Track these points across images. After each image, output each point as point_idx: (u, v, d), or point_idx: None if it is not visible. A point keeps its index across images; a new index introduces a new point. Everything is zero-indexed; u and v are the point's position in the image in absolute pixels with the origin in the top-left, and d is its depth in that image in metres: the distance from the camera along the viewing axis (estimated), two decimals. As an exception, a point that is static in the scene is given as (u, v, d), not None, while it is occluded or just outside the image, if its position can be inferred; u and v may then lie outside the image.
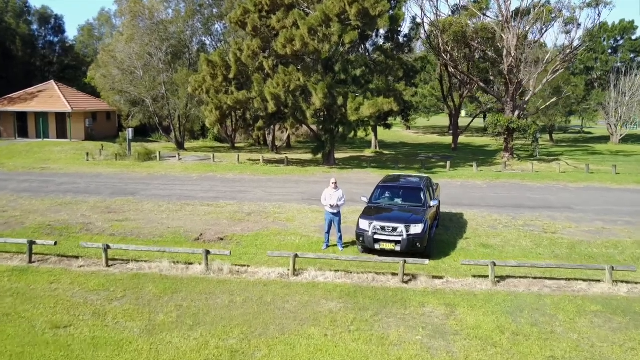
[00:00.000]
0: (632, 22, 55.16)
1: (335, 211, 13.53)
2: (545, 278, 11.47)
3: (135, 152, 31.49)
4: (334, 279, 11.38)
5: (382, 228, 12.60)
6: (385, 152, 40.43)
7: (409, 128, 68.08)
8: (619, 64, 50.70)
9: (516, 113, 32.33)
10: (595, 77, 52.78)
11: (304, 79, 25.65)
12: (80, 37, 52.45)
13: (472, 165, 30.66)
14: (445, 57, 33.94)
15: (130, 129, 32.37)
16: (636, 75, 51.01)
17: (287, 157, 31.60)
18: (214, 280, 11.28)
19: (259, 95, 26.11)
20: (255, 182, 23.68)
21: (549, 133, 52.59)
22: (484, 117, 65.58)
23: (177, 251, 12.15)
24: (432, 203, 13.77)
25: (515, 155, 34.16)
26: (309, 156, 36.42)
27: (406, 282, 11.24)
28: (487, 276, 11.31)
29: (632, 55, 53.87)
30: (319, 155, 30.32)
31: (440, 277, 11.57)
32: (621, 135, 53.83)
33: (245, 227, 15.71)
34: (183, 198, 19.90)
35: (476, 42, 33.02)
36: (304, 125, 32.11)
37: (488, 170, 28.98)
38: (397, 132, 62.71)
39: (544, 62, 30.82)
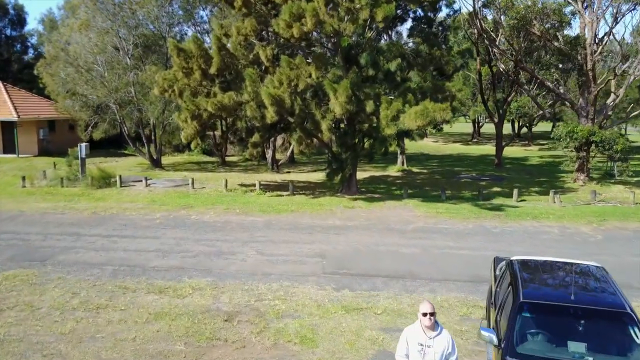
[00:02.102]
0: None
1: (436, 390, 5.41)
2: None
3: (89, 174, 23.39)
4: None
5: None
6: (414, 169, 32.29)
7: (426, 136, 59.89)
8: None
9: (595, 122, 24.25)
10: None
11: (317, 74, 17.57)
12: (42, 30, 44.32)
13: (544, 193, 22.55)
14: (498, 48, 25.82)
15: (83, 144, 24.22)
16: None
17: (291, 182, 23.47)
18: None
19: (254, 99, 18.05)
20: (246, 231, 15.51)
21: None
22: (512, 124, 57.56)
23: None
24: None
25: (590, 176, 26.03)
26: (318, 176, 28.33)
27: None
28: None
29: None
30: (329, 173, 22.03)
31: None
32: (684, 144, 45.79)
33: (218, 371, 7.60)
34: (123, 270, 11.78)
35: (538, 28, 24.93)
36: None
37: (569, 200, 20.91)
38: (415, 141, 54.73)
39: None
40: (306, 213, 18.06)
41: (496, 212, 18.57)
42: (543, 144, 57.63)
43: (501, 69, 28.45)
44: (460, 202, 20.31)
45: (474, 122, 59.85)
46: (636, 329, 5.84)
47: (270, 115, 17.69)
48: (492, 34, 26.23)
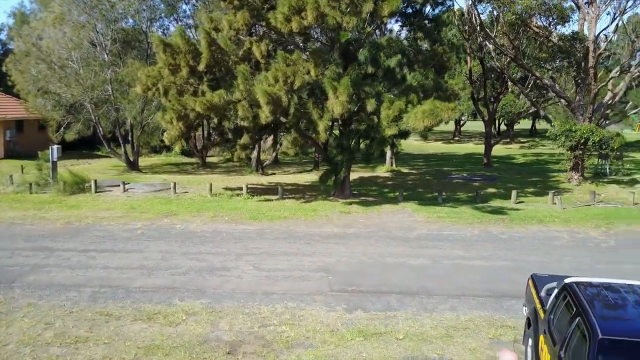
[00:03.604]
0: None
1: None
2: None
3: (60, 179, 21.68)
4: None
5: None
6: (403, 169, 31.42)
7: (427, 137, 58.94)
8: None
9: (593, 120, 23.70)
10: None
11: (316, 71, 16.39)
12: (12, 24, 41.54)
13: (540, 193, 21.89)
14: (496, 44, 24.98)
15: (55, 147, 22.48)
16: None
17: (279, 185, 22.28)
18: None
19: (246, 97, 16.77)
20: (238, 242, 14.24)
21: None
22: (494, 122, 57.13)
23: None
24: None
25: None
26: (306, 177, 27.28)
27: None
28: None
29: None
30: (322, 176, 20.79)
31: None
32: (663, 142, 46.24)
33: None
34: (104, 293, 10.40)
35: (537, 25, 24.26)
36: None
37: (568, 200, 20.23)
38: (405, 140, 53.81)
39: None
40: (301, 220, 16.87)
41: (499, 215, 17.74)
42: (524, 142, 57.68)
43: (495, 66, 27.72)
44: (459, 205, 19.43)
45: (456, 120, 59.44)
46: None
47: (265, 114, 16.43)
48: (487, 30, 25.44)
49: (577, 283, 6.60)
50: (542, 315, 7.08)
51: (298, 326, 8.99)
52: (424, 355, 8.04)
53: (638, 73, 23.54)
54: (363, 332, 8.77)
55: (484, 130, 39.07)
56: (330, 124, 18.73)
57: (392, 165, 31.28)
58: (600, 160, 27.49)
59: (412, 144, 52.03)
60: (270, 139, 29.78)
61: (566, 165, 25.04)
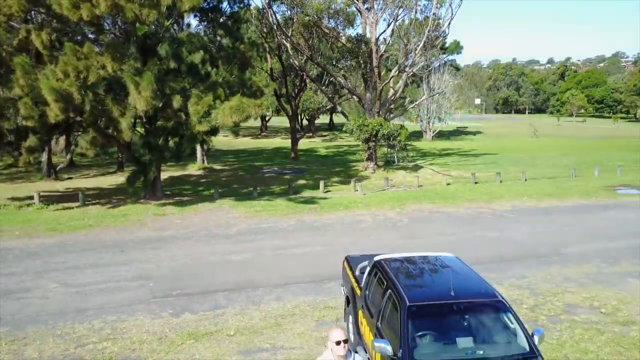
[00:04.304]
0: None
1: None
2: None
3: None
4: None
5: None
6: (216, 166, 31.21)
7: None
8: (430, 62, 50.49)
9: (380, 115, 26.81)
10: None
11: (113, 65, 15.16)
12: None
13: (344, 182, 24.05)
14: (292, 42, 26.39)
15: None
16: (443, 73, 51.97)
17: (80, 190, 20.12)
18: None
19: (28, 94, 14.68)
20: (37, 259, 12.48)
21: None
22: (298, 118, 60.55)
23: None
24: (536, 338, 6.04)
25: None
26: (109, 180, 25.27)
27: None
28: None
29: (443, 55, 54.60)
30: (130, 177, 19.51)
31: None
32: (434, 131, 54.63)
33: None
34: None
35: (327, 26, 26.38)
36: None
37: (367, 187, 22.66)
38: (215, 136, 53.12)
39: (418, 48, 25.55)
40: (110, 227, 15.55)
41: (310, 205, 18.93)
42: (325, 135, 62.37)
43: (294, 64, 29.31)
44: (274, 198, 20.18)
45: (262, 116, 61.24)
46: (509, 314, 6.18)
47: (54, 113, 14.61)
48: (283, 29, 26.69)
49: (385, 259, 7.50)
50: (358, 292, 7.85)
51: (121, 339, 8.36)
52: (257, 347, 8.22)
53: (412, 72, 27.36)
54: (193, 334, 8.57)
55: (289, 125, 41.10)
56: (134, 121, 17.70)
57: (203, 162, 30.84)
58: (388, 149, 31.28)
59: (221, 140, 51.95)
60: (63, 140, 26.81)
61: (362, 156, 27.90)
